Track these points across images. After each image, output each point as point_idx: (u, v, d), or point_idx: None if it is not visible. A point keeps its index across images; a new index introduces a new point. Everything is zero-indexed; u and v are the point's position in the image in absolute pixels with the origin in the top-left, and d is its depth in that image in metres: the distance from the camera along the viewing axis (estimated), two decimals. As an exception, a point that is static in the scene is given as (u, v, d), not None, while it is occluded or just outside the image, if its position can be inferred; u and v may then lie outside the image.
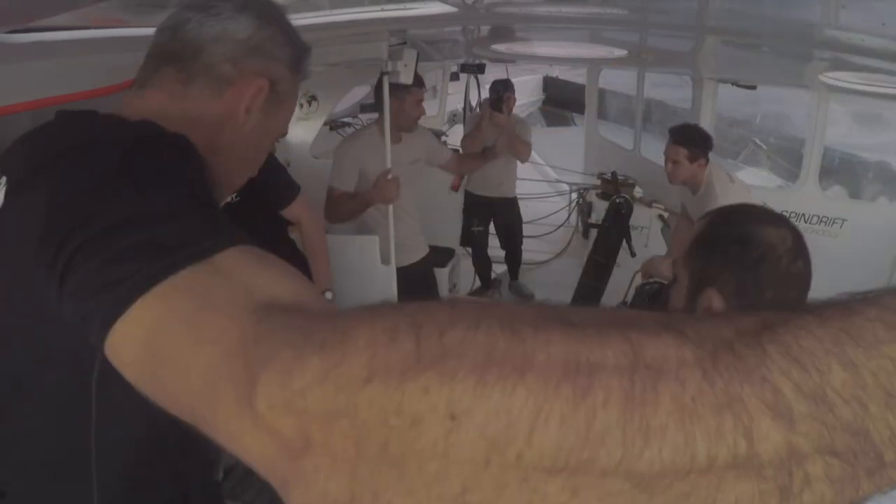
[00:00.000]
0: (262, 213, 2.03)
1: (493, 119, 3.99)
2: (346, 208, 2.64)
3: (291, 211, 2.16)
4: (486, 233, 4.53)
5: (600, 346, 0.27)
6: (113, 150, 0.57)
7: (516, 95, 4.28)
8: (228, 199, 1.85)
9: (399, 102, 2.69)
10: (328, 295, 2.19)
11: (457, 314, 0.29)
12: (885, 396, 0.26)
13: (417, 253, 3.05)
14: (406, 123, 2.78)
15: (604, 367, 0.27)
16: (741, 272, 0.93)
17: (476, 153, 3.78)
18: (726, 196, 2.74)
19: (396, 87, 2.61)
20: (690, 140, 2.82)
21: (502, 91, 4.13)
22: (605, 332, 0.28)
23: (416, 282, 3.01)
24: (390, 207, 2.58)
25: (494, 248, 4.70)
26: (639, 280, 2.84)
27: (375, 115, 6.47)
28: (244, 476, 2.24)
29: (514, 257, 4.69)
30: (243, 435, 0.33)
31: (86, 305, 0.45)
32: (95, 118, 0.69)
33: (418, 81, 2.71)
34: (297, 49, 0.80)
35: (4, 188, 0.62)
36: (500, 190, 4.33)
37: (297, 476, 0.30)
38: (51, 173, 0.56)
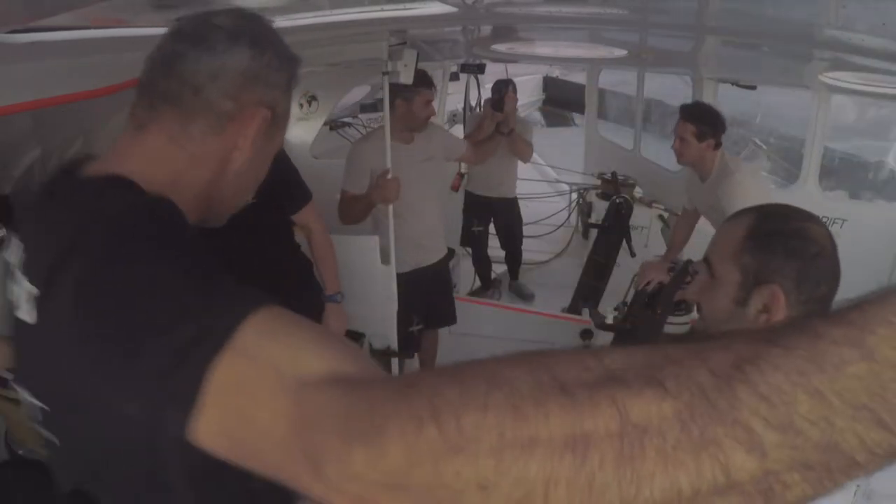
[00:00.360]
0: (274, 214, 2.03)
1: (495, 119, 3.99)
2: (355, 210, 2.66)
3: (301, 216, 2.16)
4: (486, 233, 4.53)
5: (591, 415, 0.33)
6: (116, 256, 0.57)
7: (517, 95, 4.28)
8: None
9: (408, 104, 2.69)
10: (338, 297, 2.23)
11: (467, 396, 0.35)
12: (852, 411, 0.30)
13: (437, 253, 3.03)
14: (415, 124, 2.77)
15: (596, 433, 0.32)
16: (802, 266, 0.95)
17: (488, 134, 3.74)
18: (747, 183, 2.60)
19: (405, 89, 2.61)
20: (699, 117, 2.68)
21: (504, 91, 4.14)
22: (595, 398, 0.33)
23: (432, 282, 3.00)
24: (390, 207, 2.58)
25: (494, 249, 4.70)
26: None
27: (375, 115, 6.48)
28: (244, 476, 2.24)
29: (514, 257, 4.70)
30: (328, 495, 0.40)
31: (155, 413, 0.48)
32: (91, 204, 0.65)
33: (427, 82, 2.72)
34: (291, 69, 0.80)
35: (22, 253, 0.66)
36: (500, 190, 4.33)
37: None
38: (65, 278, 0.57)
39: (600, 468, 0.32)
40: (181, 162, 0.71)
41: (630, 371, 0.34)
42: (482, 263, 4.65)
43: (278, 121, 0.79)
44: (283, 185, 1.99)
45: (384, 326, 2.69)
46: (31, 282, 0.63)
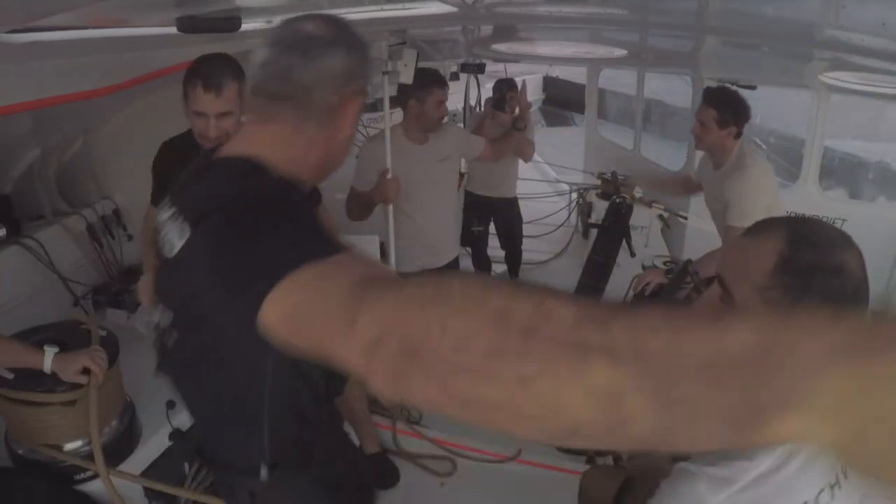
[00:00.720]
0: None
1: (496, 119, 3.98)
2: (358, 207, 2.68)
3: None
4: (486, 233, 4.53)
5: (520, 303, 0.45)
6: (256, 208, 0.80)
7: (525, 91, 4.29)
8: None
9: (420, 104, 2.67)
10: None
11: (442, 291, 0.50)
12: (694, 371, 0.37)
13: (448, 254, 2.95)
14: (428, 124, 2.74)
15: (517, 311, 0.44)
16: (839, 306, 0.84)
17: (505, 131, 3.64)
18: (759, 181, 2.52)
19: (418, 89, 2.60)
20: (723, 103, 2.53)
21: (506, 90, 4.13)
22: (529, 293, 0.45)
23: None
24: (390, 207, 2.58)
25: (494, 248, 4.69)
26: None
27: (375, 115, 6.47)
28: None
29: (514, 257, 4.69)
30: (344, 348, 0.54)
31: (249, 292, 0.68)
32: (239, 175, 0.90)
33: (440, 82, 2.69)
34: (369, 57, 1.00)
35: (181, 221, 0.88)
36: (500, 190, 4.32)
37: (369, 370, 0.51)
38: (212, 226, 0.82)
39: (506, 334, 0.43)
40: (299, 145, 0.93)
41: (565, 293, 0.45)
42: (482, 263, 4.64)
43: (366, 101, 1.01)
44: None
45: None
46: (183, 231, 0.86)
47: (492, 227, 4.53)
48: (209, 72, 1.70)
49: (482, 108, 5.23)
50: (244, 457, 1.19)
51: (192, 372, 1.19)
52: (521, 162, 4.37)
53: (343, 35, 0.94)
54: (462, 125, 5.61)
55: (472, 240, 4.52)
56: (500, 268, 4.80)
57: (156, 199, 1.90)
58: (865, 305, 0.89)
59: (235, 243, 0.77)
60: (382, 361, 0.50)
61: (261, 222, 0.77)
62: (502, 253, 4.71)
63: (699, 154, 2.89)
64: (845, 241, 0.90)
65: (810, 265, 0.86)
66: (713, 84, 4.00)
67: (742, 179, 2.44)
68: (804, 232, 0.89)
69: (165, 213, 0.93)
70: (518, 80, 4.25)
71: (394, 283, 0.57)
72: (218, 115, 1.74)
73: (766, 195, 2.49)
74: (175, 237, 0.88)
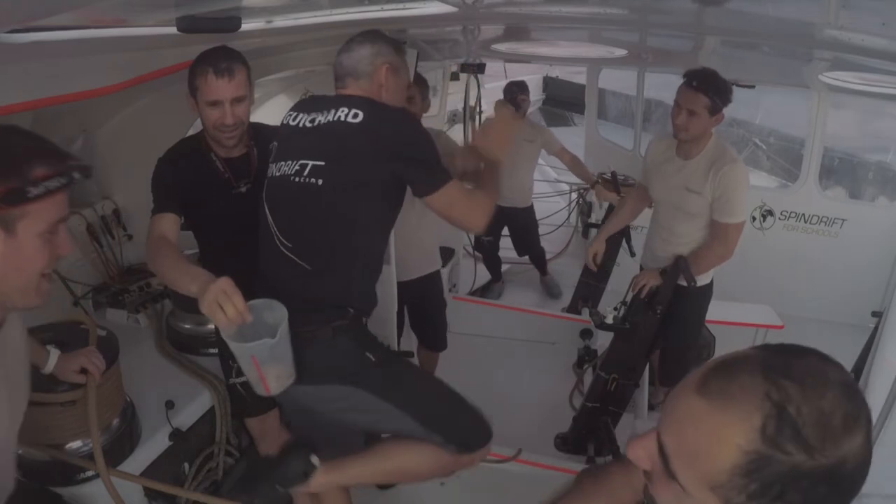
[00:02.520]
0: None
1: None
2: None
3: None
4: (497, 240, 4.56)
5: None
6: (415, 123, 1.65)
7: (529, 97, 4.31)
8: (242, 188, 1.91)
9: None
10: None
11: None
12: None
13: (415, 271, 2.89)
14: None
15: None
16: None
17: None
18: (747, 176, 2.40)
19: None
20: (715, 89, 2.33)
21: (517, 93, 4.12)
22: None
23: (416, 299, 2.94)
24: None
25: (505, 250, 4.73)
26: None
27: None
28: (244, 477, 2.24)
29: (536, 258, 4.73)
30: (471, 219, 1.65)
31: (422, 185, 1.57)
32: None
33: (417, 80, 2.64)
34: (395, 45, 1.72)
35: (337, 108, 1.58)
36: (514, 200, 4.32)
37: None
38: (384, 126, 1.55)
39: None
40: (370, 95, 1.65)
41: None
42: (493, 263, 4.68)
43: (397, 67, 1.72)
44: None
45: (384, 326, 2.69)
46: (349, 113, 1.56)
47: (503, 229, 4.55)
48: (218, 58, 1.71)
49: (482, 109, 5.23)
50: (337, 296, 1.56)
51: (318, 215, 1.54)
52: (536, 170, 4.40)
53: (373, 35, 1.71)
54: (462, 125, 5.61)
55: (483, 248, 4.54)
56: (516, 268, 4.85)
57: (161, 209, 1.77)
58: (853, 497, 0.64)
59: (421, 135, 1.59)
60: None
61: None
62: (512, 254, 4.76)
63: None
64: (852, 414, 0.59)
65: (792, 470, 0.58)
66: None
67: (734, 173, 2.36)
68: (791, 411, 0.58)
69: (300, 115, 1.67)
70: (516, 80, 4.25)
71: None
72: (232, 100, 1.73)
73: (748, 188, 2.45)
74: (329, 115, 1.56)
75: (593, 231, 4.55)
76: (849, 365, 3.51)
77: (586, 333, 3.69)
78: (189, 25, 1.53)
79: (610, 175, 4.33)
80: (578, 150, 6.20)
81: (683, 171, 2.47)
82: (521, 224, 4.51)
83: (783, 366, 0.61)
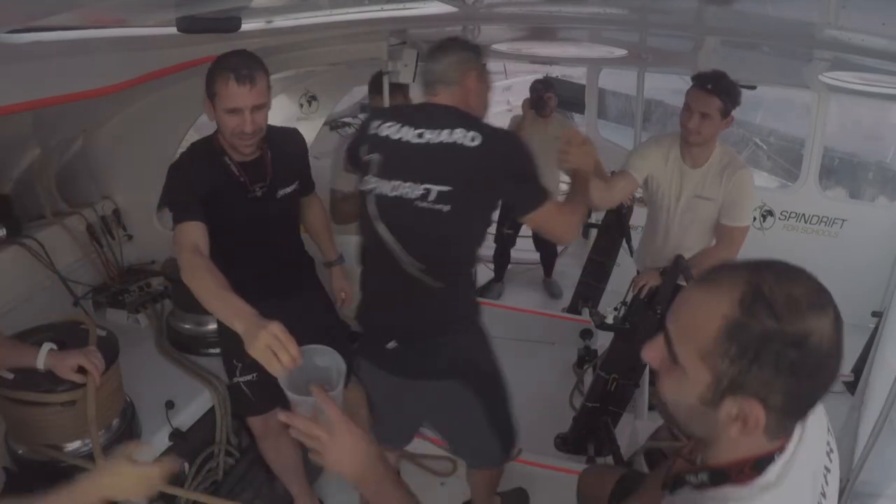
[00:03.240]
0: (295, 199, 2.08)
1: (536, 120, 3.96)
2: (345, 210, 2.62)
3: (307, 198, 2.23)
4: (516, 235, 4.54)
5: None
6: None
7: (516, 95, 4.28)
8: (258, 192, 1.89)
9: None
10: (343, 259, 2.34)
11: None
12: None
13: None
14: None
15: None
16: (795, 385, 0.73)
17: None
18: (753, 181, 2.38)
19: (396, 88, 2.57)
20: (727, 90, 2.26)
21: (543, 90, 4.09)
22: None
23: None
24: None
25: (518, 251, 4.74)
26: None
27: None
28: (244, 476, 2.24)
29: (547, 257, 4.74)
30: (565, 233, 1.79)
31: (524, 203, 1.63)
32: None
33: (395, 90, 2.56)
34: (478, 51, 1.74)
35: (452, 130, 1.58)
36: None
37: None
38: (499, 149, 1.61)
39: None
40: (460, 101, 1.69)
41: None
42: (503, 257, 4.67)
43: (482, 73, 1.75)
44: (304, 171, 2.12)
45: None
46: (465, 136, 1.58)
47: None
48: (239, 64, 1.67)
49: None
50: (464, 307, 1.78)
51: (448, 238, 1.61)
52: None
53: (463, 45, 1.75)
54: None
55: (501, 239, 4.52)
56: (517, 268, 4.86)
57: (187, 216, 1.67)
58: (829, 381, 0.75)
59: (531, 158, 1.61)
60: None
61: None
62: (522, 255, 4.76)
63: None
64: (818, 301, 0.73)
65: (763, 334, 0.72)
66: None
67: (745, 179, 2.37)
68: (765, 290, 0.73)
69: (393, 127, 1.65)
70: (512, 81, 4.25)
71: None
72: (253, 107, 1.71)
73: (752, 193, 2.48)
74: (443, 135, 1.57)
75: (593, 231, 4.54)
76: (849, 365, 3.52)
77: (586, 333, 3.69)
78: (189, 25, 1.53)
79: (610, 175, 4.34)
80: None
81: (693, 179, 2.46)
82: None
83: (765, 263, 0.77)
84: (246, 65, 1.67)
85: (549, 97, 4.11)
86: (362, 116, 6.26)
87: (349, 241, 2.54)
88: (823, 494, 0.83)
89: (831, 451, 0.89)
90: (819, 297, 0.74)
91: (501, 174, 1.57)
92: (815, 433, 0.85)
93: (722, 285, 0.76)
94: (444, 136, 1.56)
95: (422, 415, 1.98)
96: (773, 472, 0.79)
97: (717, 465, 0.83)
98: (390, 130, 1.63)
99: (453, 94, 1.67)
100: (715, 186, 2.41)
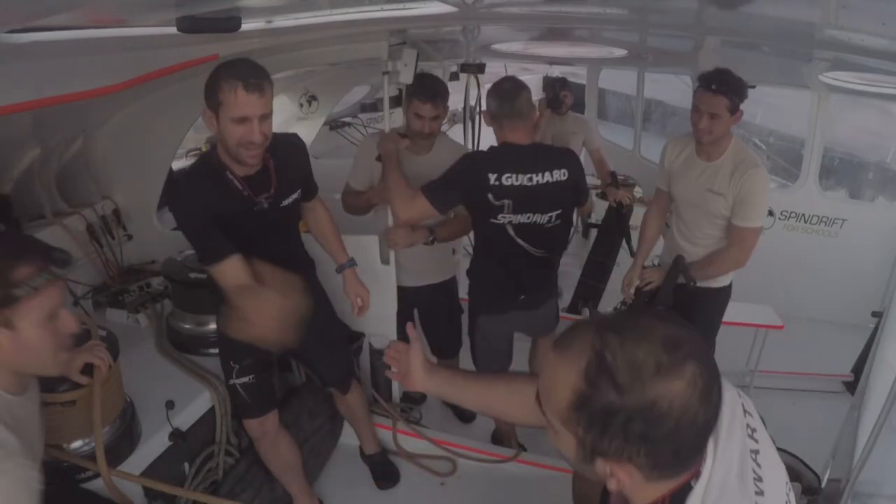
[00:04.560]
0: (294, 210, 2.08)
1: (552, 119, 3.99)
2: (355, 204, 2.65)
3: (311, 202, 2.21)
4: None
5: None
6: None
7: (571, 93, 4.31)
8: (264, 203, 1.87)
9: (406, 112, 2.55)
10: (353, 262, 2.26)
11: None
12: None
13: (429, 279, 2.80)
14: (412, 135, 2.49)
15: None
16: (654, 448, 0.74)
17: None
18: (768, 180, 2.36)
19: (412, 91, 2.48)
20: (733, 87, 2.29)
21: (559, 89, 4.11)
22: None
23: (427, 308, 2.88)
24: (388, 208, 2.58)
25: None
26: (638, 280, 2.83)
27: (375, 115, 6.42)
28: (244, 476, 2.24)
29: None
30: None
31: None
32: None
33: (423, 93, 2.42)
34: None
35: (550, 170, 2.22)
36: None
37: None
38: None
39: None
40: (531, 130, 2.24)
41: None
42: None
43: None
44: (307, 177, 2.11)
45: (384, 326, 2.69)
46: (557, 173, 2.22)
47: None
48: (246, 73, 1.62)
49: (482, 109, 5.23)
50: (554, 273, 2.61)
51: (555, 237, 2.39)
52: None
53: (518, 84, 2.25)
54: (462, 126, 5.60)
55: None
56: None
57: (222, 254, 1.73)
58: (701, 429, 0.75)
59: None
60: None
61: None
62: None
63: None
64: (666, 363, 0.71)
65: (606, 407, 0.72)
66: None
67: (757, 178, 2.33)
68: (608, 358, 0.72)
69: (518, 177, 2.17)
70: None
71: None
72: (261, 116, 1.66)
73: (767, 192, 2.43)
74: (547, 175, 2.19)
75: (593, 231, 4.54)
76: (849, 365, 3.52)
77: (586, 333, 3.69)
78: (189, 25, 1.53)
79: (610, 175, 4.34)
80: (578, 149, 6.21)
81: (706, 173, 2.45)
82: None
83: (612, 322, 0.77)
84: (253, 73, 1.63)
85: (566, 95, 4.16)
86: (362, 116, 6.26)
87: (356, 241, 2.55)
88: (759, 478, 0.81)
89: (753, 430, 0.86)
90: (668, 358, 0.72)
91: (580, 190, 2.35)
92: (728, 429, 0.81)
93: (571, 352, 0.76)
94: (546, 177, 2.21)
95: (525, 329, 2.67)
96: (699, 489, 0.77)
97: None
98: (510, 181, 2.17)
99: (526, 126, 2.23)
100: (726, 182, 2.38)
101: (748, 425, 0.86)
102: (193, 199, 1.78)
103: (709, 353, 0.76)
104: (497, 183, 2.15)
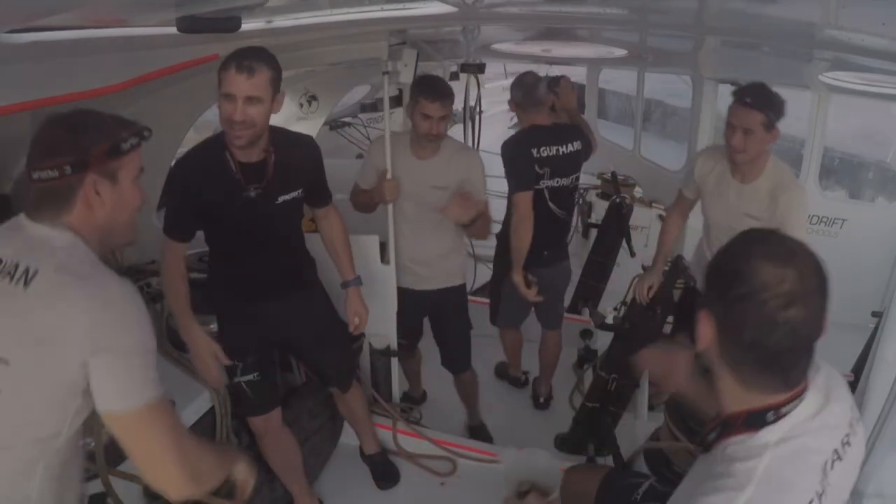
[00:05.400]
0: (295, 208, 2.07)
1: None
2: (361, 201, 2.65)
3: (324, 211, 2.21)
4: None
5: None
6: None
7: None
8: (252, 192, 1.89)
9: (411, 113, 2.43)
10: (359, 281, 2.26)
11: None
12: None
13: (434, 284, 2.68)
14: (417, 137, 2.44)
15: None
16: (723, 306, 0.91)
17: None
18: (802, 205, 2.20)
19: (416, 90, 2.41)
20: (770, 102, 2.13)
21: (553, 87, 4.12)
22: None
23: (435, 313, 2.80)
24: (389, 207, 2.59)
25: None
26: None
27: (375, 115, 6.41)
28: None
29: None
30: None
31: None
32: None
33: (430, 93, 2.34)
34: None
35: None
36: None
37: None
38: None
39: None
40: (549, 112, 2.88)
41: None
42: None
43: None
44: (313, 181, 2.09)
45: (384, 326, 2.69)
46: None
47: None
48: (244, 55, 1.70)
49: (481, 109, 5.22)
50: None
51: (572, 195, 3.03)
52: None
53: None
54: (462, 125, 5.61)
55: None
56: None
57: (171, 233, 2.00)
58: (756, 323, 0.89)
59: None
60: None
61: None
62: None
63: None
64: (779, 255, 0.92)
65: (715, 262, 0.97)
66: (713, 82, 4.00)
67: (797, 199, 2.19)
68: (742, 238, 0.99)
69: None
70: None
71: None
72: (246, 98, 1.70)
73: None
74: (568, 146, 2.79)
75: (593, 231, 4.54)
76: (849, 365, 3.52)
77: (586, 334, 3.69)
78: (189, 25, 1.53)
79: (610, 175, 4.34)
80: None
81: (742, 196, 2.31)
82: None
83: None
84: (250, 56, 1.69)
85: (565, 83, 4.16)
86: (362, 116, 6.26)
87: (356, 241, 2.55)
88: (826, 476, 0.91)
89: (848, 443, 0.96)
90: (786, 255, 0.92)
91: (587, 154, 2.94)
92: (829, 420, 0.95)
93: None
94: (569, 147, 2.78)
95: (546, 285, 2.90)
96: (774, 432, 0.91)
97: (721, 420, 0.98)
98: (547, 153, 2.72)
99: (546, 110, 2.80)
100: (764, 205, 2.23)
101: (847, 435, 0.97)
102: (185, 167, 1.92)
103: (820, 280, 0.92)
104: (538, 155, 2.70)
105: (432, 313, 2.83)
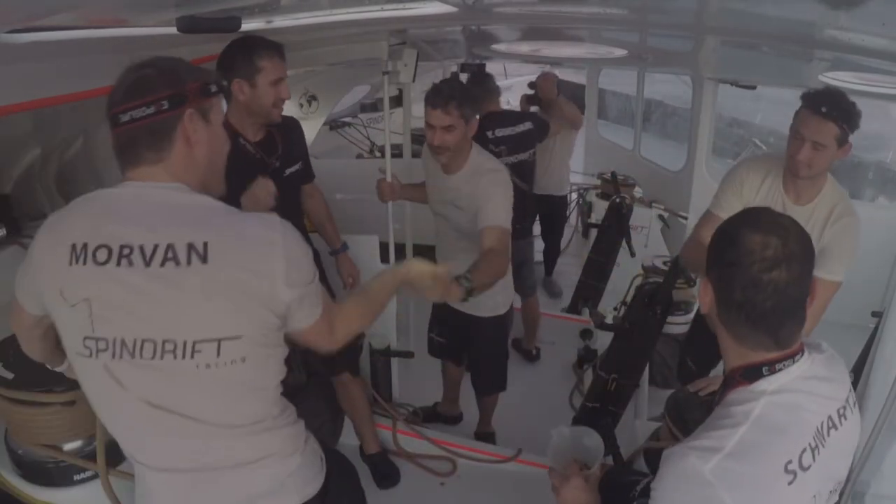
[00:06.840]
0: (297, 181, 2.26)
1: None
2: (406, 196, 2.71)
3: (309, 186, 2.38)
4: (530, 227, 4.54)
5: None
6: None
7: (515, 95, 4.30)
8: (276, 163, 2.07)
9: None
10: (347, 247, 2.48)
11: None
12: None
13: (462, 305, 2.29)
14: (432, 149, 2.24)
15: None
16: (719, 269, 1.04)
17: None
18: (856, 234, 1.98)
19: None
20: (847, 114, 1.84)
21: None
22: None
23: (461, 329, 2.62)
24: (389, 205, 2.59)
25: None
26: (638, 280, 2.84)
27: (375, 115, 6.42)
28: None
29: (550, 252, 4.76)
30: None
31: None
32: None
33: (432, 98, 2.12)
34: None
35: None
36: (548, 188, 4.34)
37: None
38: None
39: None
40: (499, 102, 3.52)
41: None
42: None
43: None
44: (306, 155, 2.31)
45: (383, 326, 2.69)
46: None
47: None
48: (274, 44, 1.92)
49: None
50: None
51: (529, 170, 3.47)
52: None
53: None
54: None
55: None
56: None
57: None
58: (748, 284, 0.98)
59: None
60: None
61: None
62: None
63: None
64: (766, 227, 1.01)
65: (717, 231, 1.08)
66: (713, 82, 4.00)
67: (851, 229, 1.98)
68: (743, 212, 1.13)
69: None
70: (512, 81, 4.25)
71: None
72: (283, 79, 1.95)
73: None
74: (519, 127, 3.32)
75: (593, 231, 4.54)
76: (849, 365, 3.51)
77: (586, 333, 3.69)
78: (189, 25, 1.53)
79: (610, 175, 4.34)
80: (578, 149, 6.21)
81: (796, 216, 2.07)
82: (552, 211, 4.55)
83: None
84: (278, 44, 1.94)
85: (547, 76, 4.17)
86: (362, 116, 6.27)
87: (356, 241, 2.55)
88: (820, 436, 0.99)
89: (843, 416, 1.04)
90: (772, 227, 1.00)
91: (542, 131, 3.48)
92: (824, 390, 1.03)
93: None
94: (521, 127, 3.31)
95: (521, 257, 3.29)
96: (770, 382, 1.00)
97: (724, 379, 1.09)
98: (503, 133, 3.21)
99: (497, 99, 3.42)
100: (818, 232, 1.99)
101: (844, 408, 1.05)
102: None
103: (803, 247, 0.99)
104: (493, 136, 3.13)
105: (465, 335, 2.65)
